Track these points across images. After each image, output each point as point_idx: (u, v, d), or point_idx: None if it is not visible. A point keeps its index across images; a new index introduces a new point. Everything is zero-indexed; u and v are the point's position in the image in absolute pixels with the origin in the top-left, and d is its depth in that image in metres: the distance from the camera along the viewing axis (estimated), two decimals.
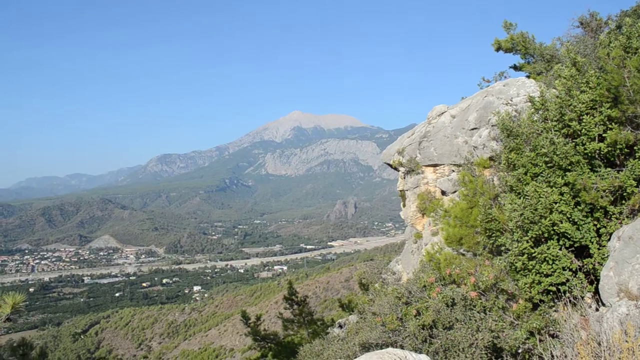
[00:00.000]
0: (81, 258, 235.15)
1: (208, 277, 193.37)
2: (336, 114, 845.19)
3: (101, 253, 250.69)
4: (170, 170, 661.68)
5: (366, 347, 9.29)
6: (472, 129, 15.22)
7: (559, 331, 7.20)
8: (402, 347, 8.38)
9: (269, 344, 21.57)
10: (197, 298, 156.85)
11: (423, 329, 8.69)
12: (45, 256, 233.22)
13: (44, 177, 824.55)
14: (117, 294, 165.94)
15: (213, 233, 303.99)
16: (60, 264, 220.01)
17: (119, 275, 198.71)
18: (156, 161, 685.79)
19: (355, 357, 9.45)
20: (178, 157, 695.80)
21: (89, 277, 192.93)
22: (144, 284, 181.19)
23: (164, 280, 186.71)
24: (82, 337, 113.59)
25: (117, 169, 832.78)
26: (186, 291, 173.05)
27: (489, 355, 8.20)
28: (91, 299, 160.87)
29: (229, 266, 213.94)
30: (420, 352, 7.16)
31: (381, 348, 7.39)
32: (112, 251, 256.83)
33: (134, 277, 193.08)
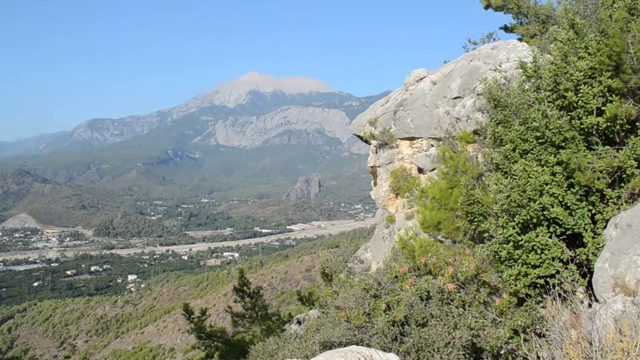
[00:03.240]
0: None
1: (145, 265, 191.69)
2: (299, 77, 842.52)
3: (16, 235, 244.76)
4: (102, 138, 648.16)
5: (328, 346, 9.35)
6: (455, 98, 15.31)
7: (547, 330, 7.37)
8: (368, 346, 8.46)
9: (216, 343, 21.60)
10: (132, 289, 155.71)
11: (393, 325, 8.78)
12: None
13: None
14: (35, 284, 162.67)
15: (152, 213, 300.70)
16: None
17: (38, 261, 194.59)
18: (85, 127, 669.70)
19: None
20: (112, 123, 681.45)
21: (1, 264, 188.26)
22: (69, 272, 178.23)
23: (93, 268, 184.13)
24: None
25: (38, 135, 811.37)
26: (119, 281, 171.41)
27: (468, 355, 8.36)
28: (4, 289, 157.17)
29: (170, 252, 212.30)
30: (390, 352, 7.23)
31: (345, 346, 7.44)
32: (30, 233, 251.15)
33: (57, 264, 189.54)
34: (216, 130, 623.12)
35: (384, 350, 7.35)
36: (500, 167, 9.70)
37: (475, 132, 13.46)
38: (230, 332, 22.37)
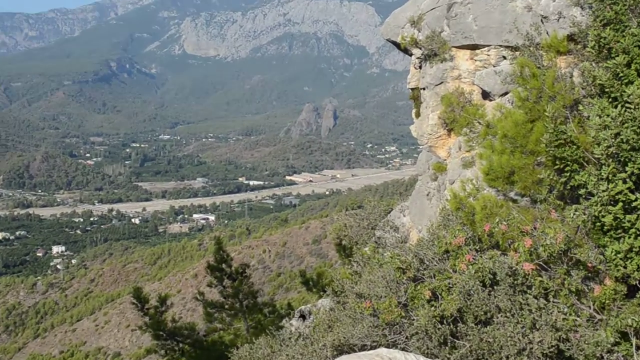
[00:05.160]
0: None
1: (78, 231, 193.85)
2: None
3: None
4: (12, 43, 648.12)
5: (345, 351, 9.48)
6: None
7: None
8: (404, 351, 8.56)
9: (182, 345, 21.91)
10: (59, 266, 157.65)
11: (441, 322, 8.86)
12: None
13: None
14: None
15: (88, 155, 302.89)
16: None
17: None
18: None
19: None
20: (26, 20, 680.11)
21: None
22: None
23: (0, 235, 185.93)
24: None
25: None
26: (39, 254, 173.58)
27: None
28: None
29: (115, 212, 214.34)
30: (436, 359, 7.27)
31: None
32: None
33: None
34: (182, 33, 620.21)
35: (428, 357, 7.46)
36: (607, 90, 9.60)
37: (570, 38, 13.31)
38: (203, 330, 22.72)
